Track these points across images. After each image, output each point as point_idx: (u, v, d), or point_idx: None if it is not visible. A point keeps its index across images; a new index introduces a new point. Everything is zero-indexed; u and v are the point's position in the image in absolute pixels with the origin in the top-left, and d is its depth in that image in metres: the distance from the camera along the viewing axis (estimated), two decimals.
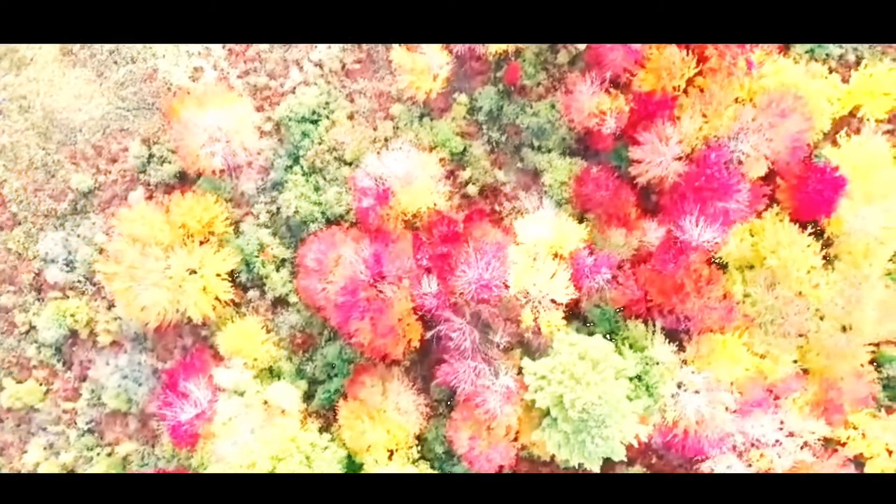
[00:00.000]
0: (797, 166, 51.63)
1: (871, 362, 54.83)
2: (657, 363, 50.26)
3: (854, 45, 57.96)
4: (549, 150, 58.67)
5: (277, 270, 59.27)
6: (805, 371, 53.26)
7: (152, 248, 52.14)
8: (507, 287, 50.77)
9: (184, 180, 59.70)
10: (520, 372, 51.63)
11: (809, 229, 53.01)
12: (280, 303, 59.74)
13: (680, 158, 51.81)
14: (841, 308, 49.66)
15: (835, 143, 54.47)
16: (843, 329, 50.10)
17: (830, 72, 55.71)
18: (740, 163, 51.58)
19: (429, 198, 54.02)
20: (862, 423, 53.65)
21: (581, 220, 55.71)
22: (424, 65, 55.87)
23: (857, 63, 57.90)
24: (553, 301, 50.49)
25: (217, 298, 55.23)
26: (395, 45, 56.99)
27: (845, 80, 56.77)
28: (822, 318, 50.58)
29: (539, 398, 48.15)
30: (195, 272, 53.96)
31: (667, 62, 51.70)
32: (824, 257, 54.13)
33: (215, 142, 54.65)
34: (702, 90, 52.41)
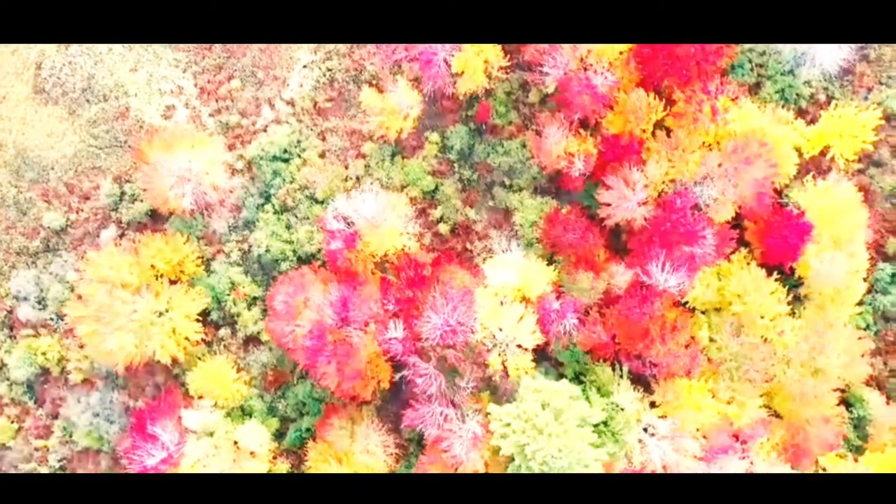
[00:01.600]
0: (764, 210, 51.58)
1: (841, 402, 54.93)
2: (623, 409, 50.21)
3: (825, 85, 58.08)
4: (521, 189, 58.72)
5: (249, 309, 59.28)
6: (777, 415, 53.17)
7: (119, 292, 52.13)
8: (473, 332, 50.81)
9: (156, 218, 59.76)
10: (487, 415, 51.60)
11: (780, 270, 53.09)
12: (252, 341, 59.76)
13: (646, 203, 51.81)
14: (807, 354, 49.57)
15: (805, 184, 54.43)
16: (811, 374, 49.96)
17: (797, 116, 55.75)
18: (707, 206, 51.55)
19: (397, 240, 54.00)
20: (832, 466, 53.55)
21: (551, 261, 55.81)
22: (394, 105, 55.91)
23: (828, 102, 58.00)
24: (519, 346, 50.50)
25: (186, 338, 55.19)
26: (365, 86, 57.18)
27: (815, 121, 56.85)
28: (788, 364, 50.48)
29: (504, 445, 48.10)
30: (163, 314, 53.97)
31: (633, 105, 51.75)
32: (796, 296, 54.26)
33: (184, 183, 54.70)
34: (668, 134, 52.46)
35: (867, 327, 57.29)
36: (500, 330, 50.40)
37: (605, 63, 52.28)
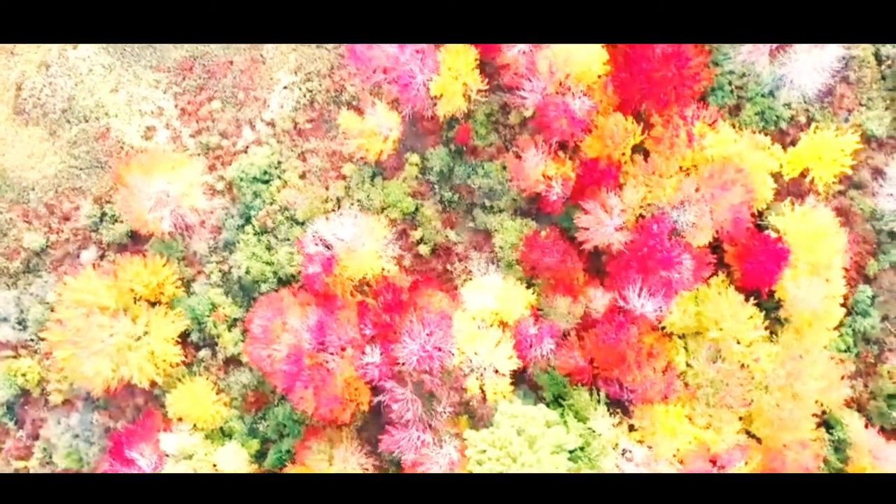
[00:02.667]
0: (742, 235, 51.54)
1: (822, 424, 54.88)
2: (600, 434, 50.16)
3: (806, 107, 57.97)
4: (501, 211, 58.68)
5: (229, 330, 59.21)
6: (756, 439, 53.05)
7: (97, 316, 52.07)
8: (450, 356, 50.79)
9: (136, 240, 59.69)
10: (465, 439, 51.51)
11: (759, 293, 52.98)
12: (232, 362, 59.68)
13: (623, 228, 51.77)
14: (784, 379, 49.49)
15: (783, 208, 54.34)
16: (789, 399, 49.87)
17: (778, 138, 55.76)
18: (685, 231, 51.49)
19: (376, 263, 53.95)
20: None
21: (531, 284, 55.77)
22: (373, 127, 55.87)
23: (809, 123, 57.94)
24: (496, 371, 50.47)
25: (165, 361, 55.10)
26: (343, 109, 57.20)
27: (795, 143, 56.77)
28: (765, 389, 50.41)
29: (480, 471, 48.01)
30: (141, 337, 53.93)
31: (611, 130, 51.72)
32: (776, 318, 54.19)
33: (163, 206, 54.66)
34: (646, 158, 52.44)
35: (848, 349, 57.25)
36: (476, 355, 50.33)
37: (582, 87, 52.23)
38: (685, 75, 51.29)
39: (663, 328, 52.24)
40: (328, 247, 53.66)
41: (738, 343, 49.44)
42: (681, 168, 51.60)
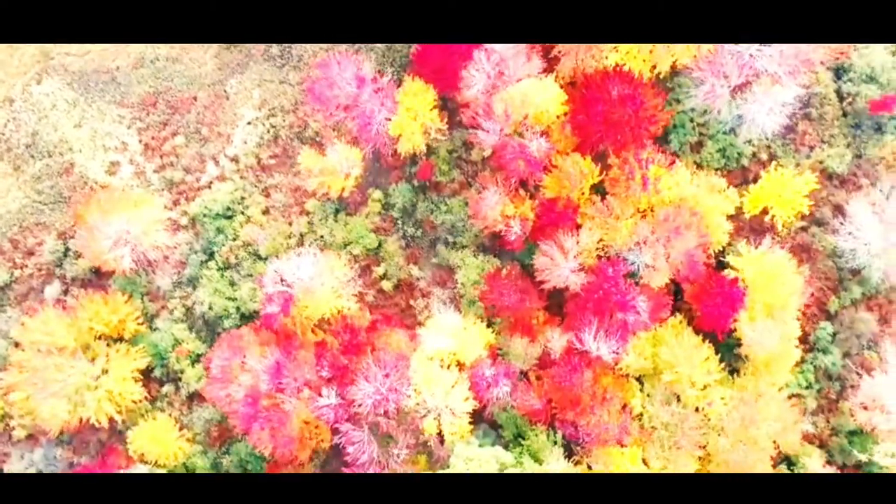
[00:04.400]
0: (698, 276, 51.61)
1: (783, 460, 55.01)
2: None
3: (767, 143, 57.99)
4: (464, 247, 58.73)
5: (193, 365, 59.24)
6: None
7: (54, 357, 52.16)
8: (407, 397, 50.89)
9: (100, 275, 59.69)
10: None
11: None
12: (196, 397, 59.64)
13: (581, 269, 51.82)
14: (738, 423, 49.57)
15: (740, 249, 54.43)
16: (743, 442, 49.95)
17: (737, 178, 55.88)
18: (642, 273, 51.55)
19: (334, 302, 54.00)
20: None
21: (491, 322, 55.86)
22: (334, 165, 55.97)
23: (771, 160, 57.98)
24: (453, 412, 50.54)
25: (122, 396, 55.08)
26: (305, 147, 57.35)
27: (757, 179, 56.83)
28: (721, 432, 50.48)
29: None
30: (100, 376, 54.01)
31: (567, 172, 51.79)
32: (737, 355, 54.24)
33: (122, 245, 54.71)
34: (603, 199, 52.50)
35: (809, 386, 57.32)
36: (432, 396, 50.40)
37: (538, 129, 52.32)
38: (641, 117, 51.39)
39: (620, 370, 52.25)
40: (288, 286, 53.71)
41: (693, 386, 49.46)
42: (637, 209, 51.66)
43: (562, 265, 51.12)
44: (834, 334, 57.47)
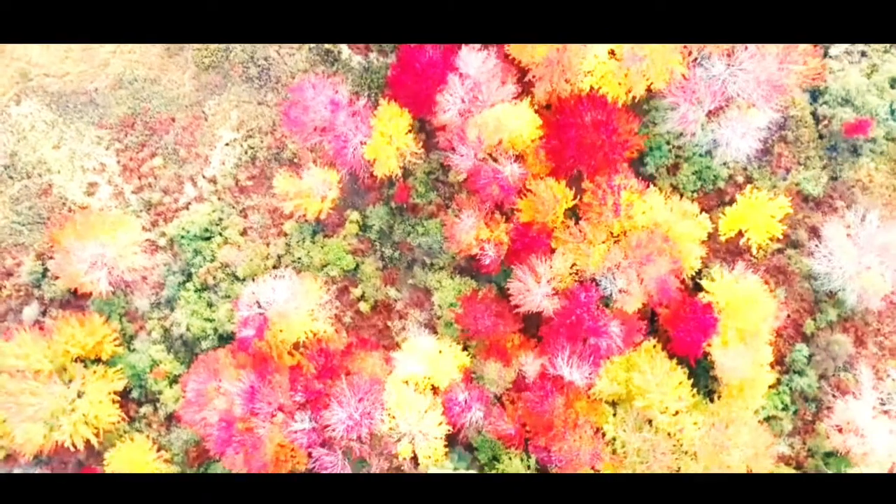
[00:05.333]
0: (670, 301, 51.73)
1: None
2: None
3: (744, 166, 58.09)
4: (441, 269, 58.87)
5: (171, 386, 59.32)
6: None
7: (28, 381, 52.26)
8: (381, 421, 51.01)
9: (79, 296, 59.75)
10: None
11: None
12: (174, 418, 59.71)
13: (555, 294, 51.93)
14: (711, 448, 49.67)
15: (714, 273, 54.55)
16: (715, 467, 50.04)
17: (714, 201, 55.99)
18: (615, 298, 51.67)
19: (309, 325, 54.10)
20: None
21: (466, 346, 55.99)
22: (310, 188, 56.08)
23: (747, 182, 58.13)
24: (425, 436, 50.66)
25: (98, 418, 55.16)
26: (281, 170, 57.48)
27: (733, 202, 56.97)
28: (693, 457, 50.58)
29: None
30: (76, 399, 54.09)
31: (541, 196, 51.89)
32: (713, 377, 54.35)
33: (98, 269, 54.82)
34: (577, 223, 52.62)
35: (785, 407, 57.41)
36: (405, 421, 50.52)
37: (513, 153, 52.47)
38: (615, 142, 51.53)
39: (593, 395, 52.34)
40: (263, 309, 53.79)
41: (665, 412, 49.58)
42: (611, 234, 51.78)
43: (534, 290, 51.22)
44: (810, 356, 57.55)
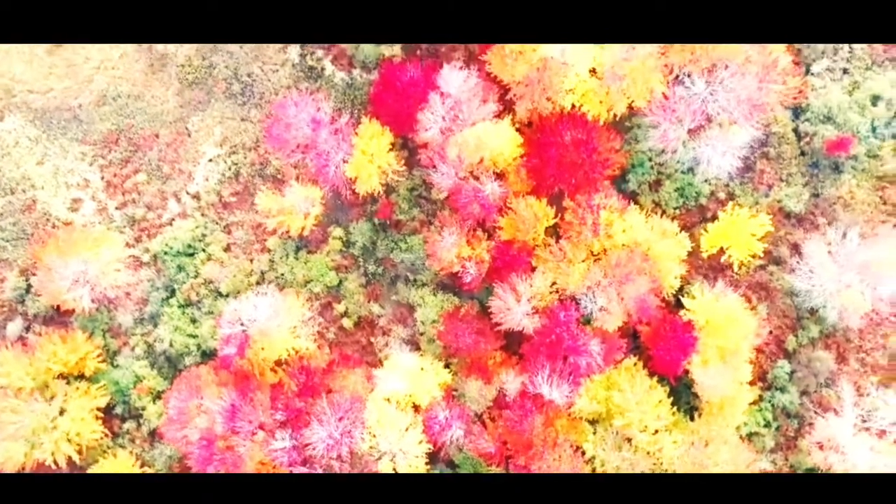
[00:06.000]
0: (650, 320, 51.83)
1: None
2: None
3: (726, 182, 58.20)
4: (424, 285, 58.95)
5: (154, 402, 59.38)
6: None
7: (9, 400, 52.31)
8: (361, 440, 51.09)
9: (62, 312, 59.78)
10: None
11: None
12: (157, 434, 59.78)
13: (536, 312, 52.03)
14: (690, 467, 49.76)
15: (694, 291, 54.68)
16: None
17: (695, 217, 56.08)
18: (596, 317, 51.78)
19: (291, 343, 54.17)
20: None
21: (448, 363, 56.09)
22: (293, 205, 56.17)
23: (729, 199, 58.29)
24: (405, 455, 50.74)
25: (79, 435, 55.20)
26: (263, 189, 57.59)
27: (714, 218, 57.13)
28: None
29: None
30: (57, 417, 54.14)
31: (521, 215, 51.99)
32: (696, 394, 54.40)
33: (80, 286, 54.88)
34: (558, 241, 52.72)
35: (767, 424, 57.54)
36: (386, 440, 50.60)
37: (492, 172, 52.56)
38: (595, 161, 51.63)
39: (572, 413, 52.43)
40: (245, 327, 53.86)
41: (644, 431, 49.66)
42: (591, 253, 51.89)
43: (515, 309, 51.32)
44: (792, 373, 57.65)
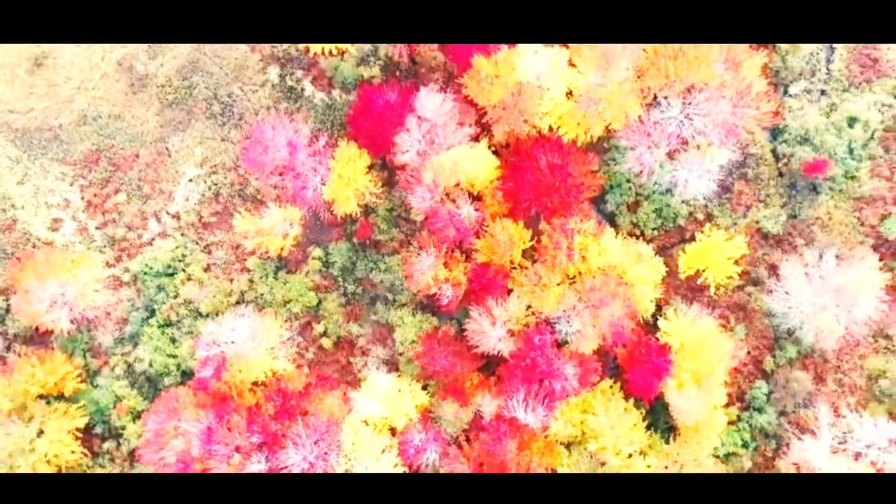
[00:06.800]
0: (624, 344, 51.97)
1: None
2: None
3: (704, 203, 58.34)
4: (403, 305, 59.05)
5: (134, 422, 59.45)
6: None
7: None
8: (337, 463, 51.18)
9: (42, 332, 59.86)
10: None
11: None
12: (136, 456, 59.86)
13: (511, 335, 52.15)
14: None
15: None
16: None
17: (673, 238, 56.24)
18: (571, 339, 51.89)
19: (269, 365, 54.28)
20: None
21: (426, 384, 56.19)
22: (271, 226, 56.29)
23: (707, 219, 58.47)
24: None
25: (60, 457, 55.32)
26: (241, 212, 57.70)
27: (693, 239, 57.29)
28: None
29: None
30: (35, 439, 54.23)
31: (497, 239, 52.11)
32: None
33: (58, 308, 55.00)
34: (534, 264, 52.84)
35: (745, 444, 57.61)
36: (362, 463, 50.70)
37: (468, 195, 52.71)
38: (570, 185, 51.74)
39: (548, 436, 52.52)
40: (222, 349, 53.97)
41: (617, 455, 49.78)
42: (567, 276, 51.99)
43: (490, 332, 51.44)
44: (769, 393, 57.78)
